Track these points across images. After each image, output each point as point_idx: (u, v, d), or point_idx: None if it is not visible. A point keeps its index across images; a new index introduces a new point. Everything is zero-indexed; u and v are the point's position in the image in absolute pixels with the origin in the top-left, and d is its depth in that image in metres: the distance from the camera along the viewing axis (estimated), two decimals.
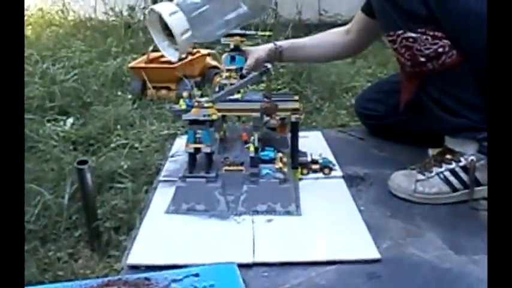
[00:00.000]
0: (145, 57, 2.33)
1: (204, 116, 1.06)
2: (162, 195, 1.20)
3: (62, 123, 1.83)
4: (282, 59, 1.52)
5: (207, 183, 1.10)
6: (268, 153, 1.12)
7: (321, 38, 1.58)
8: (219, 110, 1.14)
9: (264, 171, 1.10)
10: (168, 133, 1.63)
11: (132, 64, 2.24)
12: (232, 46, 1.40)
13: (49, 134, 1.70)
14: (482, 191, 1.16)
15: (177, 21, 1.09)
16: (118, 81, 2.38)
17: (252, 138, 1.12)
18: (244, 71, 1.36)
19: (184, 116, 1.07)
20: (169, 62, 2.23)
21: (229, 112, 1.22)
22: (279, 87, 2.21)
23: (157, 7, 1.11)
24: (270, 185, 1.09)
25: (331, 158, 1.39)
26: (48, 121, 1.82)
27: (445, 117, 1.15)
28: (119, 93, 2.17)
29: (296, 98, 1.27)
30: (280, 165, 1.11)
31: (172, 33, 1.11)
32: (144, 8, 3.69)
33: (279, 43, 1.50)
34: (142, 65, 2.23)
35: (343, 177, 1.29)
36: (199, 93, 2.11)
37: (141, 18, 3.77)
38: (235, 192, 1.11)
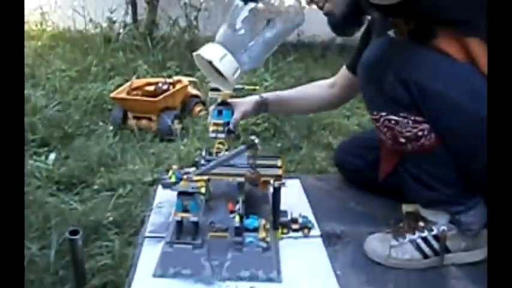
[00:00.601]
0: (128, 85, 2.36)
1: (193, 188, 1.11)
2: (149, 253, 1.24)
3: (43, 157, 1.85)
4: (268, 111, 1.59)
5: (193, 250, 1.15)
6: (252, 221, 1.18)
7: (305, 91, 1.64)
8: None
9: (248, 239, 1.16)
10: (151, 178, 1.66)
11: (114, 94, 2.26)
12: (219, 100, 1.44)
13: (32, 171, 1.72)
14: (451, 258, 1.24)
15: (228, 66, 1.09)
16: (99, 107, 2.40)
17: (237, 207, 1.17)
18: (231, 126, 1.41)
19: (175, 189, 1.11)
20: (151, 95, 2.27)
21: (214, 176, 1.26)
22: (258, 121, 2.26)
23: (206, 54, 1.10)
24: (253, 253, 1.15)
25: (310, 213, 1.45)
26: (31, 156, 1.83)
27: (420, 190, 1.22)
28: (100, 123, 2.19)
29: (279, 163, 1.33)
30: (263, 234, 1.16)
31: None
32: (124, 26, 3.68)
33: (265, 95, 1.56)
34: (124, 95, 2.25)
35: (321, 236, 1.36)
36: (180, 126, 2.18)
37: (120, 31, 3.78)
38: (220, 258, 1.16)
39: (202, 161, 1.30)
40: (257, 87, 1.58)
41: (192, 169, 1.17)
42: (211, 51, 1.09)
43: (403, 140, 1.16)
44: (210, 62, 1.08)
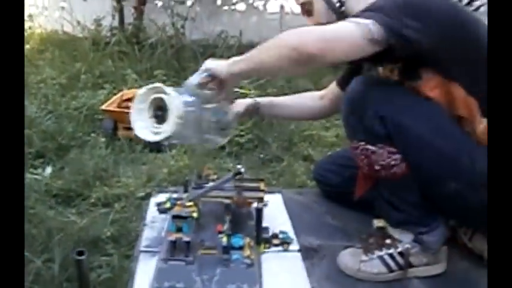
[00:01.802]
0: (118, 96, 2.48)
1: (186, 213, 1.25)
2: (145, 267, 1.37)
3: (40, 170, 1.97)
4: (259, 114, 1.74)
5: (185, 266, 1.30)
6: (238, 241, 1.32)
7: (296, 100, 1.79)
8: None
9: (234, 257, 1.31)
10: (143, 193, 1.79)
11: (105, 106, 2.38)
12: None
13: (30, 184, 1.83)
14: (413, 272, 1.40)
15: (178, 104, 1.16)
16: (90, 117, 2.52)
17: (225, 227, 1.32)
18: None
19: (170, 213, 1.26)
20: None
21: (204, 198, 1.41)
22: (242, 132, 2.39)
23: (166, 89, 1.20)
24: (239, 269, 1.30)
25: (289, 228, 1.60)
26: (28, 169, 1.95)
27: (390, 211, 1.38)
28: (92, 134, 2.31)
29: (262, 186, 1.47)
30: (248, 252, 1.31)
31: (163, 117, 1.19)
32: (111, 30, 3.77)
33: (258, 99, 1.71)
34: (114, 108, 2.37)
35: (299, 250, 1.51)
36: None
37: (108, 34, 3.87)
38: (210, 273, 1.31)
39: (193, 185, 1.44)
40: (249, 91, 1.72)
41: (185, 195, 1.31)
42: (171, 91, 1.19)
43: (377, 167, 1.32)
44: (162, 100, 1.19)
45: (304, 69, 1.31)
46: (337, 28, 1.22)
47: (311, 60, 1.19)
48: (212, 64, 1.33)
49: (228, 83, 1.33)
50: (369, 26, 1.17)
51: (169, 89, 1.19)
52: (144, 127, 1.25)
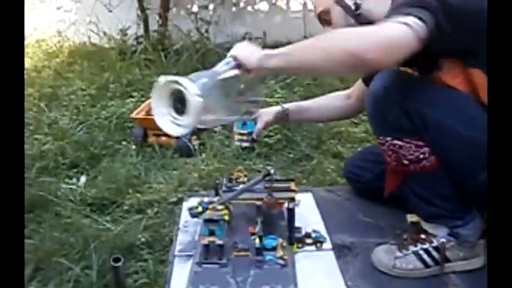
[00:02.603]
0: (147, 103, 2.51)
1: (217, 216, 1.26)
2: (180, 271, 1.39)
3: (74, 180, 2.02)
4: (289, 120, 1.75)
5: (220, 268, 1.31)
6: (271, 242, 1.33)
7: (323, 102, 1.80)
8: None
9: (268, 257, 1.31)
10: (175, 198, 1.81)
11: (134, 115, 2.42)
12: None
13: (65, 194, 1.88)
14: (450, 267, 1.38)
15: (198, 105, 1.11)
16: (120, 126, 2.56)
17: (257, 229, 1.32)
18: (254, 136, 1.58)
19: (202, 217, 1.27)
20: None
21: (235, 200, 1.42)
22: (270, 133, 2.40)
23: (182, 81, 1.14)
24: (273, 270, 1.31)
25: (322, 227, 1.59)
26: (63, 179, 2.00)
27: (422, 205, 1.36)
28: (123, 142, 2.35)
29: (293, 186, 1.47)
30: (281, 252, 1.32)
31: (184, 110, 1.15)
32: (137, 39, 3.83)
33: (286, 106, 1.72)
34: (143, 115, 2.41)
35: (332, 249, 1.50)
36: (197, 142, 2.32)
37: (134, 43, 3.93)
38: (244, 274, 1.32)
39: (224, 188, 1.45)
40: (279, 101, 1.73)
41: (216, 198, 1.33)
42: (189, 84, 1.12)
43: (406, 162, 1.30)
44: (181, 92, 1.12)
45: (356, 72, 1.30)
46: (391, 31, 1.13)
47: (368, 66, 1.18)
48: (241, 52, 1.26)
49: (257, 75, 1.28)
50: (418, 25, 1.12)
51: (185, 81, 1.15)
52: (163, 114, 1.21)
